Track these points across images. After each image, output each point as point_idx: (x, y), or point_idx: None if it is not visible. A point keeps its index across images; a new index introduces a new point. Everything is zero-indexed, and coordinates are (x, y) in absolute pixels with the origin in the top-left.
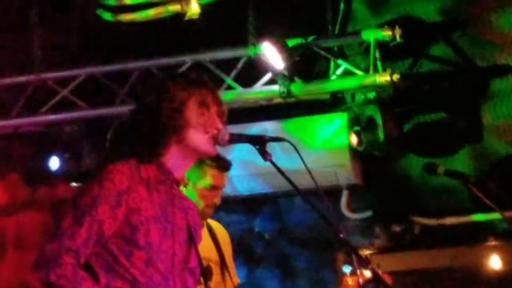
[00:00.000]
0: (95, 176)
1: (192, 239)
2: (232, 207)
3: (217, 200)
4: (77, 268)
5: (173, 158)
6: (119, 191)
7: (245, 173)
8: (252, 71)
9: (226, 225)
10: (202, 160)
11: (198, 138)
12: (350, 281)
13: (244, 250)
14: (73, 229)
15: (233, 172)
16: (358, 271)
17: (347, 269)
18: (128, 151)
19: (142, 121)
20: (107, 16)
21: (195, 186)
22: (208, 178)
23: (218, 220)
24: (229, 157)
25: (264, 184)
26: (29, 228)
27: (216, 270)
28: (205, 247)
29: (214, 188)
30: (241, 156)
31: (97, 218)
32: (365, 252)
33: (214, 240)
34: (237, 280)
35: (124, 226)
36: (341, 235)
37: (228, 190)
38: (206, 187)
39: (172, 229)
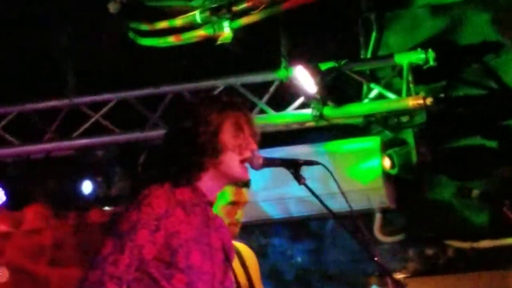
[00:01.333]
0: (131, 201)
1: (228, 260)
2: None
3: (239, 217)
4: None
5: (208, 182)
6: (158, 216)
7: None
8: (284, 95)
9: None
10: None
11: (233, 162)
12: None
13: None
14: (115, 256)
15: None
16: None
17: None
18: (162, 175)
19: (179, 145)
20: (139, 40)
21: (218, 206)
22: (227, 194)
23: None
24: None
25: (295, 208)
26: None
27: None
28: (234, 270)
29: (234, 203)
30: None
31: (137, 243)
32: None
33: (242, 263)
34: None
35: (164, 250)
36: (375, 259)
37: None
38: (227, 204)
39: (210, 251)
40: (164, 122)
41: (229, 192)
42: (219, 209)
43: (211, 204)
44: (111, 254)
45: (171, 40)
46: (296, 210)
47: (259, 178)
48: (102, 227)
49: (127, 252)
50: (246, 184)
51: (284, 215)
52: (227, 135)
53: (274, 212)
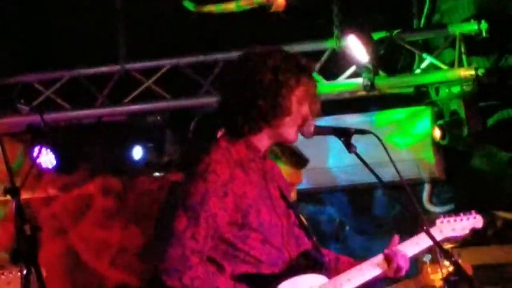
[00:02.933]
0: (194, 171)
1: (289, 204)
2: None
3: (293, 195)
4: (205, 266)
5: (262, 138)
6: (224, 181)
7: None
8: (336, 64)
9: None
10: (278, 156)
11: (291, 127)
12: (429, 269)
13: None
14: (192, 229)
15: None
16: (441, 263)
17: (427, 258)
18: (225, 121)
19: (255, 96)
20: (192, 7)
21: None
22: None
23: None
24: None
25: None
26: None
27: None
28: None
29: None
30: None
31: (211, 212)
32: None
33: None
34: None
35: (235, 213)
36: (424, 227)
37: None
38: None
39: (272, 203)
40: (215, 89)
41: (285, 174)
42: None
43: (264, 157)
44: (188, 228)
45: (226, 7)
46: (345, 179)
47: None
48: (151, 193)
49: (203, 223)
50: (305, 165)
51: (331, 184)
52: (296, 101)
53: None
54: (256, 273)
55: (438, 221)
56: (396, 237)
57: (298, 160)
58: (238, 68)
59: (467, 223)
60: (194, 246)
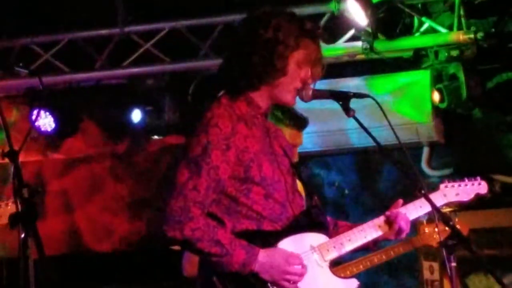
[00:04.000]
0: (197, 126)
1: (292, 163)
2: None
3: (295, 158)
4: (207, 218)
5: (261, 95)
6: (226, 135)
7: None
8: (335, 27)
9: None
10: (280, 119)
11: (287, 88)
12: (426, 229)
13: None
14: (194, 181)
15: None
16: (438, 227)
17: (424, 218)
18: (226, 78)
19: (255, 52)
20: None
21: None
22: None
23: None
24: None
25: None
26: None
27: None
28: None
29: (293, 146)
30: None
31: (212, 164)
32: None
33: None
34: None
35: (237, 167)
36: (422, 191)
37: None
38: None
39: (276, 159)
40: (215, 52)
41: (287, 135)
42: None
43: (266, 115)
44: (189, 179)
45: None
46: (344, 143)
47: None
48: (151, 155)
49: (204, 175)
50: (305, 126)
51: (330, 147)
52: (295, 63)
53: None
54: (257, 229)
55: (442, 186)
56: (400, 201)
57: (299, 121)
58: (243, 26)
59: (471, 188)
60: (195, 197)
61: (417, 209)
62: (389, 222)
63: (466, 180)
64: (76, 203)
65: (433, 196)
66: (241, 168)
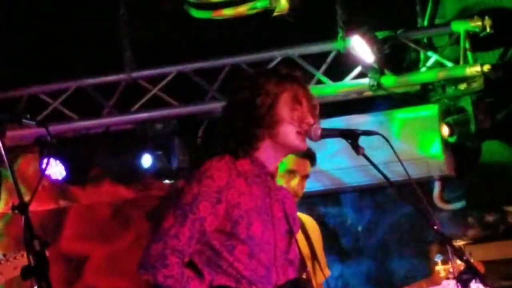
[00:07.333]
0: (193, 175)
1: (291, 230)
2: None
3: (296, 187)
4: (183, 267)
5: (266, 152)
6: (219, 188)
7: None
8: (341, 65)
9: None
10: None
11: (290, 133)
12: (442, 271)
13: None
14: (177, 229)
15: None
16: (452, 262)
17: (438, 258)
18: (221, 147)
19: (237, 117)
20: (195, 13)
21: (278, 175)
22: (285, 162)
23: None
24: None
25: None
26: None
27: (308, 264)
28: (298, 241)
29: (290, 172)
30: None
31: (199, 215)
32: (459, 243)
33: (305, 234)
34: (327, 272)
35: (225, 221)
36: (435, 227)
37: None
38: (284, 172)
39: (272, 221)
40: (223, 94)
41: (288, 161)
42: (278, 176)
43: (271, 175)
44: (173, 227)
45: (228, 13)
46: (356, 180)
47: None
48: (162, 200)
49: (188, 224)
50: (309, 155)
51: (341, 185)
52: (284, 107)
53: (331, 182)
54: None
55: None
56: None
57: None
58: (227, 100)
59: None
60: (175, 245)
61: None
62: None
63: None
64: None
65: None
66: (228, 223)
